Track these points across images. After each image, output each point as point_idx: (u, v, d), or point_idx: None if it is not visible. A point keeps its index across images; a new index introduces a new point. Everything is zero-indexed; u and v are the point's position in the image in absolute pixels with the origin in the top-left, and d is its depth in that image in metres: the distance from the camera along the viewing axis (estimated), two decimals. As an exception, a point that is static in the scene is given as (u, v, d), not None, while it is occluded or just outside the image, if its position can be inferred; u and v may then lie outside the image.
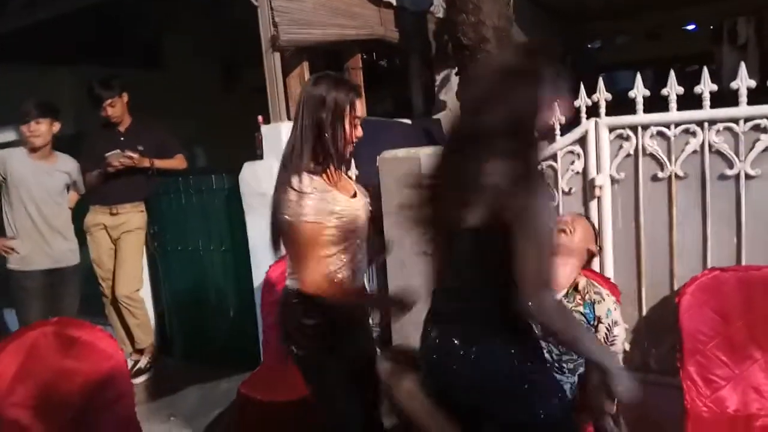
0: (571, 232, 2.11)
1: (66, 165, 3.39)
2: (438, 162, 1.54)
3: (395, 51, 4.80)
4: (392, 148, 2.87)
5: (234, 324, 3.64)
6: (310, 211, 1.71)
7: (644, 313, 2.48)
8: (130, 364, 3.41)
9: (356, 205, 1.84)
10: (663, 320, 2.39)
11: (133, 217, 3.64)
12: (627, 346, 2.52)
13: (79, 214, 3.58)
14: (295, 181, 1.72)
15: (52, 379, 2.04)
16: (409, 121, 4.38)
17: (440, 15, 4.43)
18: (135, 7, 4.36)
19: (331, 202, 1.74)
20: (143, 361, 3.68)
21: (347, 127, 1.78)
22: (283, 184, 1.74)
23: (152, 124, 3.75)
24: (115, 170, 3.45)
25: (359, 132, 1.83)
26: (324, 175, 1.77)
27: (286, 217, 1.72)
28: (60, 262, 3.34)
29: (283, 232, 1.77)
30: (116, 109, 3.55)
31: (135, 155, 3.47)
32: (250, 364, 3.04)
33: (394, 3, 4.14)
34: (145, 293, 3.86)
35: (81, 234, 3.56)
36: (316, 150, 1.75)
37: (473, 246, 1.41)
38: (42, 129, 3.21)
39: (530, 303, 1.30)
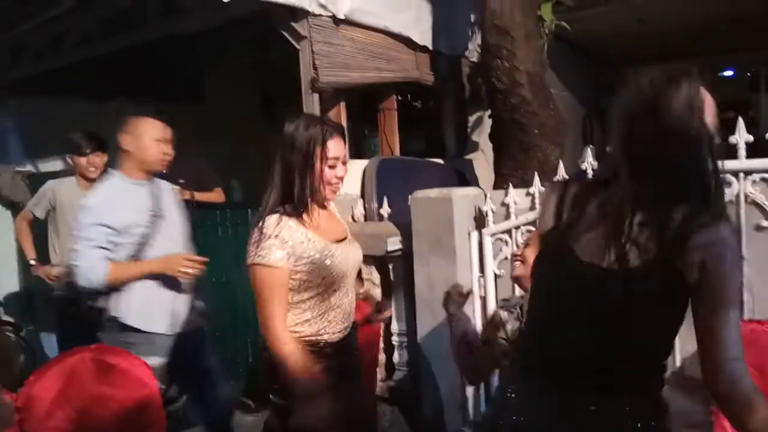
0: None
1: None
2: (582, 190, 1.28)
3: (430, 93, 4.90)
4: (425, 187, 2.92)
5: (263, 359, 3.68)
6: (269, 254, 1.61)
7: (678, 363, 2.44)
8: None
9: (338, 251, 1.72)
10: (698, 372, 2.34)
11: (170, 248, 3.74)
12: (659, 397, 2.47)
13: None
14: (260, 222, 1.64)
15: (89, 404, 2.10)
16: (441, 161, 4.44)
17: (474, 59, 4.52)
18: (181, 46, 4.57)
19: (300, 246, 1.64)
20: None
21: (318, 167, 1.67)
22: (252, 227, 1.67)
23: (193, 158, 3.88)
24: (156, 202, 3.58)
25: (340, 172, 1.74)
26: (301, 217, 1.67)
27: (247, 261, 1.64)
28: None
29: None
30: (161, 143, 3.70)
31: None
32: (277, 398, 3.06)
33: (430, 47, 4.25)
34: (178, 322, 3.93)
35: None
36: (286, 191, 1.67)
37: (618, 292, 1.14)
38: (99, 162, 3.37)
39: (722, 384, 1.11)
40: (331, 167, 1.71)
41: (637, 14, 5.02)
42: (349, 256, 1.76)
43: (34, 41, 4.45)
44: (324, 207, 1.77)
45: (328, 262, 1.68)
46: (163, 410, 2.29)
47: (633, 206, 1.15)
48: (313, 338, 1.72)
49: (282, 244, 1.61)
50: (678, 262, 1.10)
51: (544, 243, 1.31)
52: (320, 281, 1.68)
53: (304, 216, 1.68)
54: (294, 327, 1.70)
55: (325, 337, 1.73)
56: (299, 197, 1.66)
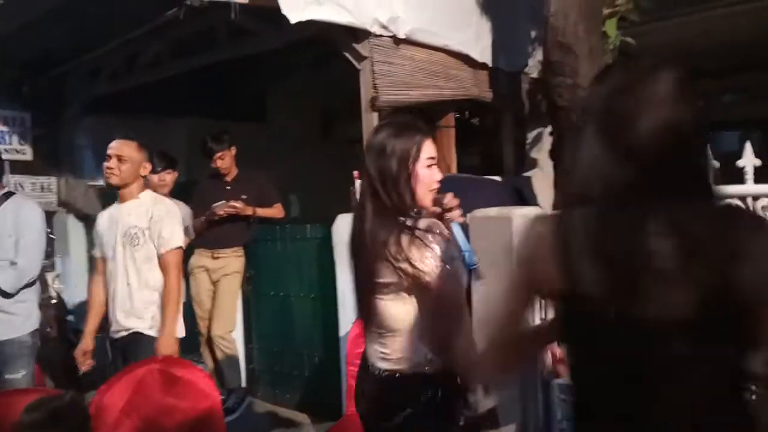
0: None
1: (181, 211, 3.65)
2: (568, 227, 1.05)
3: (487, 109, 4.87)
4: (482, 206, 2.88)
5: (318, 372, 3.72)
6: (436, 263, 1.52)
7: None
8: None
9: None
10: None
11: (232, 261, 3.85)
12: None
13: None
14: (422, 223, 1.53)
15: (155, 414, 2.18)
16: (499, 179, 4.39)
17: (534, 75, 4.46)
18: (246, 66, 4.72)
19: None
20: (231, 401, 3.81)
21: (419, 170, 1.60)
22: (391, 227, 1.53)
23: (255, 174, 4.00)
24: (219, 218, 3.70)
25: (437, 175, 1.67)
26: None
27: (422, 270, 1.50)
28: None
29: (400, 289, 1.54)
30: (225, 161, 3.83)
31: (239, 204, 3.70)
32: (331, 413, 3.08)
33: (490, 64, 4.23)
34: (237, 334, 4.03)
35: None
36: (381, 200, 1.57)
37: (687, 348, 0.96)
38: (169, 179, 3.52)
39: None
40: (430, 167, 1.64)
41: (702, 27, 4.84)
42: None
43: (109, 62, 4.70)
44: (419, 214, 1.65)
45: None
46: (224, 422, 2.34)
47: (650, 227, 0.96)
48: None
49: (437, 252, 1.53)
50: (732, 276, 0.93)
51: (567, 303, 1.08)
52: None
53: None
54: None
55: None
56: (401, 204, 1.57)
